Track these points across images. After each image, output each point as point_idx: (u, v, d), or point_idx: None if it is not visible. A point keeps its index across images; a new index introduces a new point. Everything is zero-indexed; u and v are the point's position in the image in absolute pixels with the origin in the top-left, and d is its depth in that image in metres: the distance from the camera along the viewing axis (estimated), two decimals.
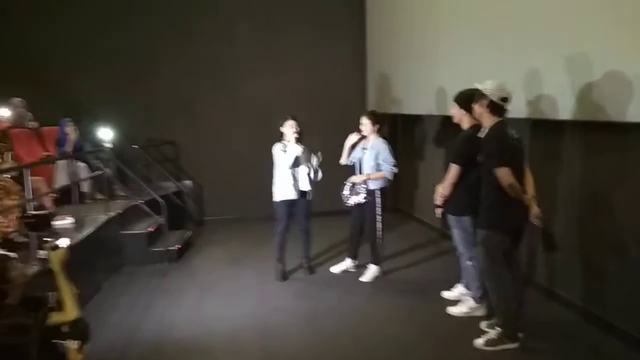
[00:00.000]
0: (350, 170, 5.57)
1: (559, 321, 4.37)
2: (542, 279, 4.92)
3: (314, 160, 5.45)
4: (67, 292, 3.15)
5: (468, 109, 4.21)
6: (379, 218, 5.40)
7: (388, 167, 5.30)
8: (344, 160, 5.55)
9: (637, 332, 3.77)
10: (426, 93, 6.27)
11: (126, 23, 7.97)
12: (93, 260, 5.31)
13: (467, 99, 4.19)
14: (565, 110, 3.97)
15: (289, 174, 5.44)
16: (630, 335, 3.83)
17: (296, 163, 5.44)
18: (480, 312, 4.44)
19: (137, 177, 6.91)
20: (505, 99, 3.72)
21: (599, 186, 4.15)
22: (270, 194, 5.57)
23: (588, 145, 4.25)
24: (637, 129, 3.62)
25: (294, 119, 5.45)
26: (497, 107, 3.73)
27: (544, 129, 4.64)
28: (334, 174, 5.62)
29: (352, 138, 5.49)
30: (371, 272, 5.53)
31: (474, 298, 4.52)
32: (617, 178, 3.96)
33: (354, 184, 5.42)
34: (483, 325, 4.24)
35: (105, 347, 4.05)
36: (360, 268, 5.67)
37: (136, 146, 7.45)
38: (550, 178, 4.63)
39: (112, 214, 6.08)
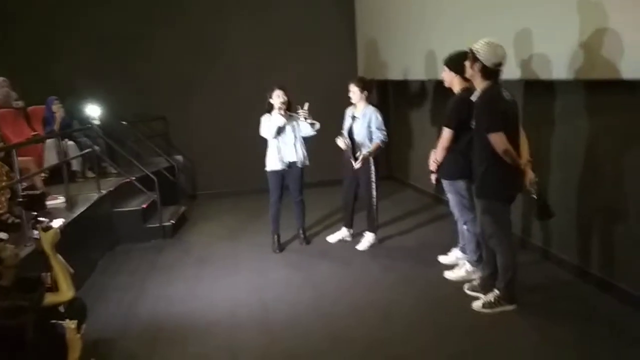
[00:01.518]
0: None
1: (556, 281, 4.40)
2: (537, 239, 4.94)
3: (301, 116, 5.29)
4: (61, 272, 3.12)
5: (459, 72, 4.14)
6: (373, 185, 5.37)
7: (381, 135, 5.25)
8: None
9: (634, 289, 3.80)
10: (416, 58, 6.18)
11: None
12: (87, 239, 5.26)
13: (457, 61, 4.10)
14: (558, 70, 3.91)
15: (273, 144, 5.39)
16: (627, 293, 3.85)
17: (279, 133, 5.36)
18: (477, 276, 4.45)
19: (128, 154, 6.82)
20: (499, 64, 3.60)
21: (594, 146, 4.12)
22: (262, 166, 5.52)
23: (583, 106, 4.20)
24: (633, 87, 3.58)
25: (280, 88, 5.33)
26: (490, 72, 3.61)
27: (538, 89, 4.59)
28: (325, 144, 5.56)
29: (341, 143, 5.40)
30: (367, 240, 5.53)
31: (470, 262, 4.53)
32: (613, 138, 3.93)
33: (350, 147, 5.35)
34: (466, 288, 4.27)
35: (103, 325, 4.04)
36: (357, 236, 5.67)
37: (125, 122, 7.34)
38: (546, 139, 4.60)
39: (104, 191, 6.02)
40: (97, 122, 6.82)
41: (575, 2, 3.63)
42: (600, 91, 3.95)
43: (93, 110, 6.86)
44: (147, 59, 7.90)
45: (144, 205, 6.28)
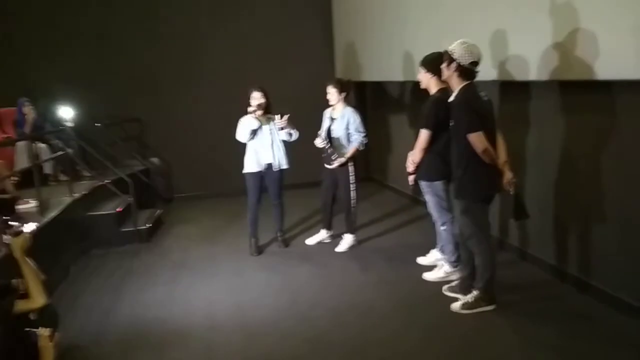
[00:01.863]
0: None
1: (533, 281, 4.42)
2: (514, 240, 4.97)
3: (276, 124, 5.29)
4: (32, 278, 3.03)
5: (435, 73, 4.16)
6: (352, 187, 5.35)
7: (359, 138, 5.23)
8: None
9: (612, 289, 3.84)
10: (393, 59, 6.19)
11: None
12: (60, 244, 5.14)
13: (433, 62, 4.13)
14: (533, 70, 3.94)
15: (250, 146, 5.35)
16: (605, 293, 3.89)
17: (254, 135, 5.31)
18: (456, 277, 4.46)
19: (102, 156, 6.70)
20: (475, 63, 3.63)
21: (570, 146, 4.16)
22: (240, 167, 5.46)
23: (558, 106, 4.24)
24: (608, 87, 3.63)
25: (259, 90, 5.29)
26: (466, 71, 3.64)
27: (513, 90, 4.62)
28: (303, 146, 5.52)
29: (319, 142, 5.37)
30: (346, 241, 5.51)
31: (449, 263, 4.54)
32: (589, 138, 3.97)
33: (329, 149, 5.32)
34: (445, 289, 4.28)
35: (77, 332, 3.94)
36: (336, 238, 5.64)
37: (99, 124, 7.21)
38: (522, 140, 4.63)
39: (78, 195, 5.89)
40: (70, 124, 6.69)
41: (550, 3, 3.66)
42: (576, 92, 3.99)
43: (66, 112, 6.73)
44: (122, 60, 7.78)
45: (119, 209, 6.16)
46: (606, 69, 3.29)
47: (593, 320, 3.71)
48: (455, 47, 3.63)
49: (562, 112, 4.20)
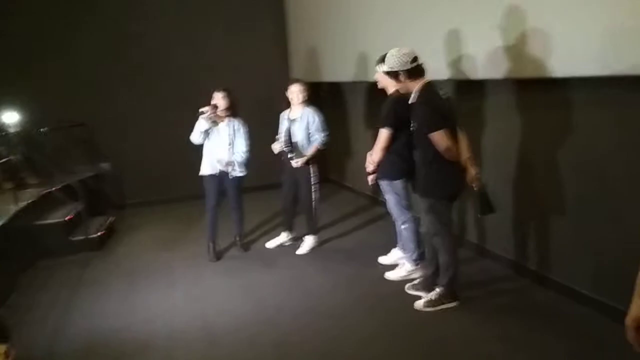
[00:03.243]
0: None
1: (493, 276, 4.49)
2: (472, 236, 5.04)
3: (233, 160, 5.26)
4: None
5: None
6: (314, 187, 5.31)
7: (320, 138, 5.21)
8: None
9: (569, 281, 3.95)
10: (349, 60, 6.18)
11: None
12: (5, 256, 4.87)
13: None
14: (488, 69, 4.00)
15: (207, 148, 5.26)
16: (563, 285, 3.99)
17: (206, 137, 5.19)
18: (418, 275, 4.48)
19: (48, 163, 6.41)
20: (415, 59, 3.65)
21: (526, 143, 4.24)
22: (197, 170, 5.34)
23: (514, 104, 4.31)
24: (563, 84, 3.71)
25: (221, 90, 5.19)
26: (413, 72, 3.66)
27: (470, 88, 4.68)
28: (262, 148, 5.45)
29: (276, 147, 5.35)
30: (307, 243, 5.46)
31: (410, 261, 4.56)
32: (545, 134, 4.06)
33: (289, 150, 5.27)
34: (407, 287, 4.29)
35: (30, 346, 3.73)
36: (297, 240, 5.59)
37: (44, 129, 6.89)
38: (478, 138, 4.69)
39: (23, 203, 5.59)
40: (13, 129, 6.37)
41: (501, 4, 3.71)
42: (531, 89, 4.07)
43: (9, 117, 6.41)
44: (68, 62, 7.44)
45: (68, 217, 5.90)
46: (560, 67, 3.36)
47: (552, 312, 3.80)
48: (389, 62, 3.69)
49: (518, 109, 4.28)
